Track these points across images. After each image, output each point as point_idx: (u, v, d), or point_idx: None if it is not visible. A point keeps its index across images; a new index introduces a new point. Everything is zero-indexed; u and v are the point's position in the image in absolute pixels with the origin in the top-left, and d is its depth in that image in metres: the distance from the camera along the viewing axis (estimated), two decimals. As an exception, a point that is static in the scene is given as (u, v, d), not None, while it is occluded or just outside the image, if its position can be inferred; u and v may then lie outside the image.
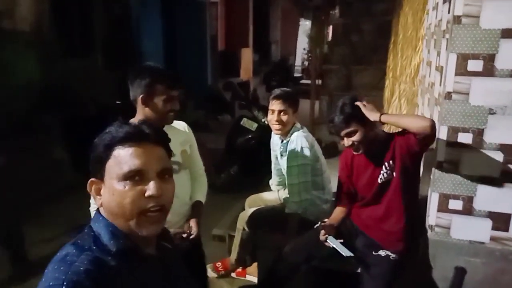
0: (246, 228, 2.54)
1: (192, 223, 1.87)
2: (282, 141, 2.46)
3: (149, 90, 1.72)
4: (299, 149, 2.33)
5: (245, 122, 4.64)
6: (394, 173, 1.98)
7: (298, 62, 12.82)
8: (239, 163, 4.63)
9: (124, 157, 0.94)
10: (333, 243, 2.00)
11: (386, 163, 2.00)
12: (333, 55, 4.57)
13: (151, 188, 0.93)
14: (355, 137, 1.95)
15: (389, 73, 3.44)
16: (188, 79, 7.63)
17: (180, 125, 1.99)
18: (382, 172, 2.01)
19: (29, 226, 3.73)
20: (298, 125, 2.45)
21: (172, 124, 1.92)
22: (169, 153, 1.03)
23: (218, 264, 2.77)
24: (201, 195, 2.01)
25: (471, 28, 1.83)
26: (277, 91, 2.43)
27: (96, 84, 6.05)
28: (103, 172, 0.96)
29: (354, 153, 2.04)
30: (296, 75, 11.88)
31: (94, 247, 0.92)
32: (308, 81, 4.82)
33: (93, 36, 6.35)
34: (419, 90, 2.89)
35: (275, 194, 2.75)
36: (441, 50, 2.11)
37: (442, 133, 1.98)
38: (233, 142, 4.73)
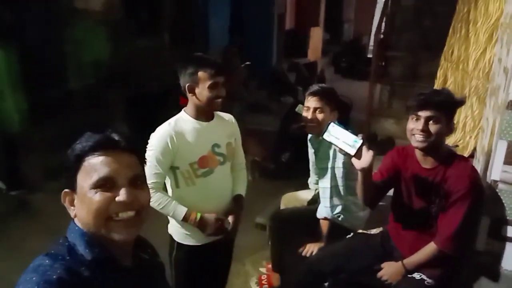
0: (272, 228, 2.45)
1: (232, 218, 1.91)
2: (315, 140, 2.29)
3: (193, 78, 1.77)
4: (331, 151, 2.14)
5: (300, 108, 4.44)
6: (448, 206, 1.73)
7: (372, 42, 12.09)
8: (292, 150, 4.50)
9: (94, 166, 0.94)
10: (335, 134, 1.68)
11: (437, 199, 1.76)
12: (399, 41, 4.17)
13: (122, 194, 0.93)
14: (433, 127, 1.69)
15: (459, 65, 3.03)
16: (252, 58, 7.56)
17: (227, 117, 2.01)
18: (433, 205, 1.78)
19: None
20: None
21: (220, 116, 1.96)
22: (142, 160, 1.03)
23: (264, 277, 2.65)
24: (242, 189, 2.03)
25: (547, 24, 1.50)
26: (314, 87, 2.25)
27: (162, 63, 6.21)
28: (75, 183, 0.95)
29: (416, 144, 1.75)
30: (369, 56, 11.28)
31: (68, 257, 0.92)
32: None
33: (161, 15, 6.48)
34: (489, 88, 2.51)
35: (311, 193, 2.60)
36: (510, 48, 1.77)
37: (500, 149, 1.68)
38: (286, 128, 4.60)
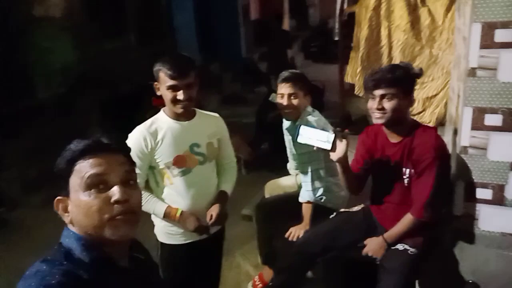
0: (258, 218, 2.47)
1: (212, 209, 1.85)
2: (292, 126, 2.32)
3: (156, 77, 1.75)
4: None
5: (274, 97, 4.46)
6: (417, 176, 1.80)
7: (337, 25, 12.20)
8: (270, 140, 4.52)
9: (85, 168, 0.95)
10: (307, 135, 1.79)
11: (407, 170, 1.83)
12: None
13: (115, 193, 0.94)
14: (388, 103, 1.74)
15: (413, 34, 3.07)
16: (222, 51, 7.53)
17: (212, 117, 1.98)
18: (405, 177, 1.85)
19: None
20: (309, 108, 2.29)
21: (203, 115, 1.93)
22: (131, 160, 1.04)
23: (256, 278, 2.61)
24: (228, 186, 1.98)
25: (499, -9, 1.56)
26: (285, 74, 2.27)
27: (130, 63, 6.11)
28: (67, 188, 0.96)
29: (375, 120, 1.84)
30: (337, 38, 11.33)
31: (65, 262, 0.92)
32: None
33: (125, 15, 6.36)
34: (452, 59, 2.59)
35: (293, 179, 2.63)
36: (465, 19, 1.83)
37: (466, 115, 1.75)
38: (263, 118, 4.61)
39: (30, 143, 4.64)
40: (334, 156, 1.79)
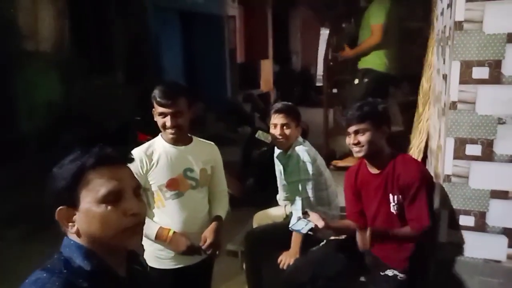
0: (246, 248, 2.48)
1: (207, 234, 1.88)
2: (283, 156, 2.40)
3: (152, 104, 1.84)
4: (300, 164, 2.26)
5: (260, 134, 4.55)
6: (404, 204, 1.90)
7: (319, 71, 12.80)
8: (255, 176, 4.58)
9: (99, 181, 0.96)
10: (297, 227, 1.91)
11: (394, 196, 1.92)
12: (346, 65, 4.46)
13: (134, 207, 0.98)
14: (363, 137, 1.88)
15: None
16: (207, 92, 7.71)
17: (207, 145, 2.04)
18: (392, 204, 1.94)
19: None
20: (300, 139, 2.39)
21: (199, 142, 1.99)
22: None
23: None
24: (222, 212, 2.03)
25: (474, 34, 1.73)
26: (278, 105, 2.39)
27: (117, 100, 6.17)
28: (75, 199, 0.97)
29: (355, 154, 1.96)
30: (318, 84, 11.86)
31: (65, 270, 0.93)
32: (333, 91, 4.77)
33: (113, 53, 6.50)
34: (432, 97, 2.76)
35: (282, 209, 2.68)
36: (446, 58, 2.00)
37: (448, 145, 1.87)
38: (248, 155, 4.69)
39: (10, 176, 4.55)
40: (320, 230, 1.90)
